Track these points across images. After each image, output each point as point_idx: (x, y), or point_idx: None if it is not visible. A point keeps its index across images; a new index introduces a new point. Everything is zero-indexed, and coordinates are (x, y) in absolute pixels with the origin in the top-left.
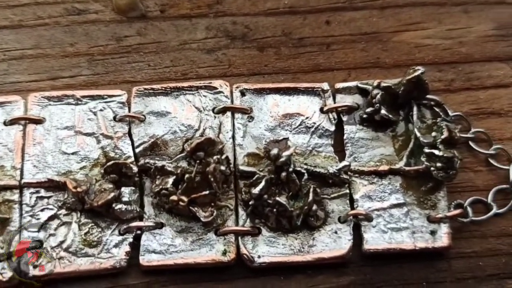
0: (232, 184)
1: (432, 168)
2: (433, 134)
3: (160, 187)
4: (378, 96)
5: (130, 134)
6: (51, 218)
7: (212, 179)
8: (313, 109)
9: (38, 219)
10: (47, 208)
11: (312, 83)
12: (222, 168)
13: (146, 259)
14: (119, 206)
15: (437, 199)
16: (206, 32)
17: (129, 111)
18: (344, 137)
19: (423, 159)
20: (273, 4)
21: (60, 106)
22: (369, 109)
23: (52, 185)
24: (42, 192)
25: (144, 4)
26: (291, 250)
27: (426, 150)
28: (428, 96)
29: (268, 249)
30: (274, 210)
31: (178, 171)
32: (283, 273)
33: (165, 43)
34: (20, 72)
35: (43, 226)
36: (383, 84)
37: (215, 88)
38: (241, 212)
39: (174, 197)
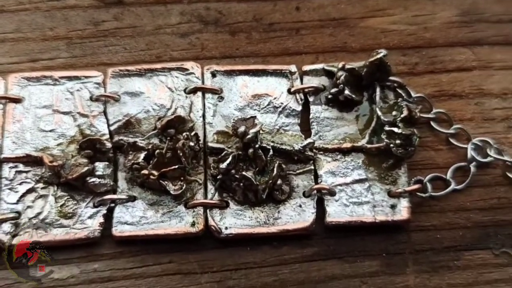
0: (201, 160)
1: (391, 145)
2: (394, 113)
3: (132, 161)
4: (342, 77)
5: (105, 113)
6: (29, 191)
7: (181, 154)
8: (281, 90)
9: (16, 192)
10: (25, 182)
11: (280, 65)
12: (191, 144)
13: (118, 230)
14: (93, 179)
15: (398, 175)
16: (180, 17)
17: (105, 91)
18: (310, 117)
19: (383, 136)
20: None
21: (39, 86)
22: (333, 90)
23: (30, 160)
24: (21, 167)
25: None
26: (257, 222)
27: (387, 128)
28: (391, 78)
29: (235, 221)
30: (241, 184)
31: (150, 147)
32: (250, 244)
33: (141, 28)
34: (1, 55)
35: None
36: (347, 66)
37: (187, 69)
38: (210, 186)
39: (145, 171)
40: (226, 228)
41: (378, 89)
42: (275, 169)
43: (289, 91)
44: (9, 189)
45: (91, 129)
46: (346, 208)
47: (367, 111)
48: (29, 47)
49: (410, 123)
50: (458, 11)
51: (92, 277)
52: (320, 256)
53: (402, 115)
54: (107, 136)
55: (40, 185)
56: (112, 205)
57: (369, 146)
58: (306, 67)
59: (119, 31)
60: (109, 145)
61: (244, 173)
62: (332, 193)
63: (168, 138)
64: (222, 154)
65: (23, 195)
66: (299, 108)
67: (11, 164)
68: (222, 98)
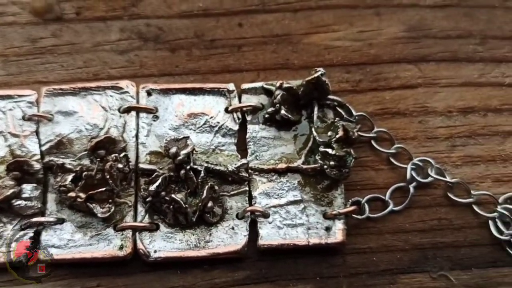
0: (132, 182)
1: (325, 167)
2: (329, 133)
3: (60, 184)
4: (279, 96)
5: (37, 133)
6: None
7: (108, 177)
8: (218, 109)
9: None
10: None
11: (219, 83)
12: (120, 166)
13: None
14: (19, 202)
15: (334, 197)
16: (120, 34)
17: (38, 110)
18: (247, 136)
19: (317, 157)
20: (188, 6)
21: None
22: (270, 109)
23: None
24: None
25: (60, 6)
26: (188, 245)
27: (321, 149)
28: (330, 96)
29: (165, 244)
30: (171, 206)
31: (78, 169)
32: (180, 268)
33: (79, 45)
34: None
35: None
36: (285, 85)
37: (122, 88)
38: (140, 208)
39: (72, 194)
40: (155, 251)
41: (316, 108)
42: (205, 191)
43: (226, 110)
44: None
45: (22, 149)
46: (280, 231)
47: (306, 131)
48: None
49: (347, 144)
50: (405, 26)
51: None
52: (252, 280)
53: (337, 136)
54: (38, 157)
55: None
56: (40, 227)
57: (304, 166)
58: (245, 86)
59: (56, 48)
60: (37, 166)
61: (173, 195)
62: (265, 215)
63: (98, 159)
64: (153, 176)
65: None
66: (236, 127)
67: None
68: (157, 117)
